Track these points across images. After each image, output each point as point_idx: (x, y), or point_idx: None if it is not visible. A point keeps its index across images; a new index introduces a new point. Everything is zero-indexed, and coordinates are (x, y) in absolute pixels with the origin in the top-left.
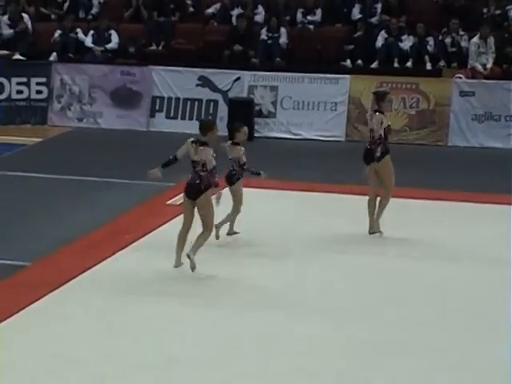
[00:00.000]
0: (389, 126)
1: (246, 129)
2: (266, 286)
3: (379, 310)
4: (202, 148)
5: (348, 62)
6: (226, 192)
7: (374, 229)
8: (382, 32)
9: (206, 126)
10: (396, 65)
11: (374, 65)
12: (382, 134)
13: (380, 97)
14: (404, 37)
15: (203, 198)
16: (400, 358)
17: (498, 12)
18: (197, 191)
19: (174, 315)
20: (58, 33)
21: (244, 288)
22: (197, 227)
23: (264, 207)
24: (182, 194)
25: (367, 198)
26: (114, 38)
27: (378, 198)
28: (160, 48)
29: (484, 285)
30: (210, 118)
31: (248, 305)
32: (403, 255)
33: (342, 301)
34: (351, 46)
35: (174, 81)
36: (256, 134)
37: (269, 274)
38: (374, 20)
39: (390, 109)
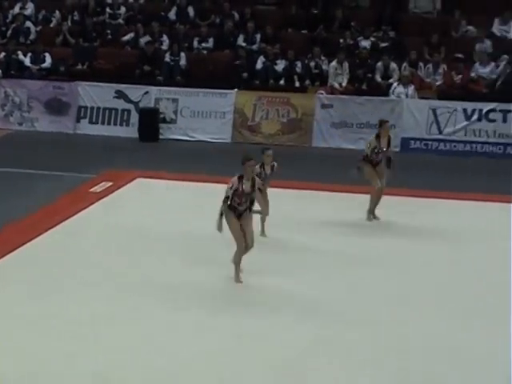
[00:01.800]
0: (375, 147)
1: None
2: None
3: None
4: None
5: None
6: None
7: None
8: (261, 57)
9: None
10: (272, 82)
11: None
12: (368, 154)
13: (379, 124)
14: (278, 61)
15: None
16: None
17: (351, 42)
18: None
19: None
20: (2, 54)
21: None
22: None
23: (162, 197)
24: (102, 183)
25: None
26: (48, 59)
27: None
28: (85, 67)
29: None
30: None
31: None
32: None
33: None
34: (245, 74)
35: (95, 93)
36: (161, 137)
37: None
38: (254, 47)
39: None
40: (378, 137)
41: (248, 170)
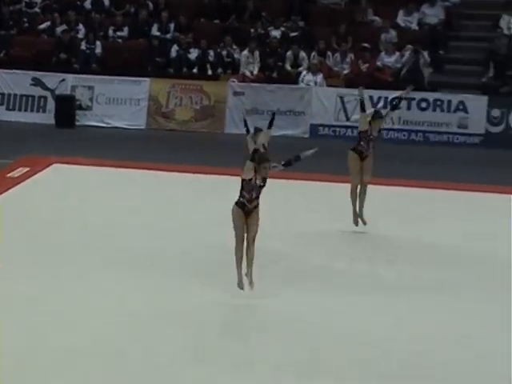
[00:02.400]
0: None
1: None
2: None
3: None
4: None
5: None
6: None
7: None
8: (175, 45)
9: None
10: (185, 70)
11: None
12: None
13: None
14: (191, 49)
15: None
16: None
17: (262, 32)
18: None
19: None
20: None
21: None
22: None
23: (78, 182)
24: (19, 168)
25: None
26: None
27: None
28: (1, 55)
29: None
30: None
31: None
32: None
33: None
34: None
35: (12, 81)
36: (77, 123)
37: None
38: (168, 36)
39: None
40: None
41: (262, 172)
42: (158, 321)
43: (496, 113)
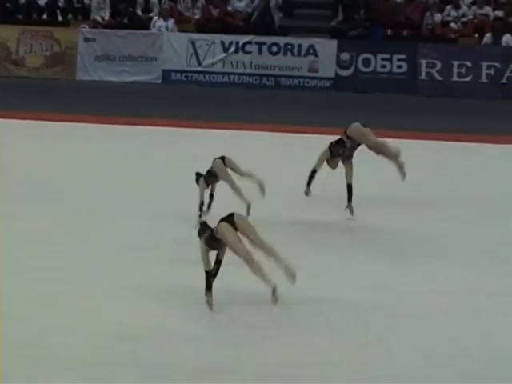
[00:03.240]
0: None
1: None
2: None
3: None
4: None
5: None
6: None
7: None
8: None
9: None
10: (35, 17)
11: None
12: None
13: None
14: None
15: None
16: None
17: None
18: None
19: None
20: None
21: None
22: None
23: None
24: None
25: None
26: None
27: None
28: None
29: None
30: None
31: None
32: None
33: None
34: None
35: None
36: None
37: None
38: None
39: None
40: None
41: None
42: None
43: (345, 56)
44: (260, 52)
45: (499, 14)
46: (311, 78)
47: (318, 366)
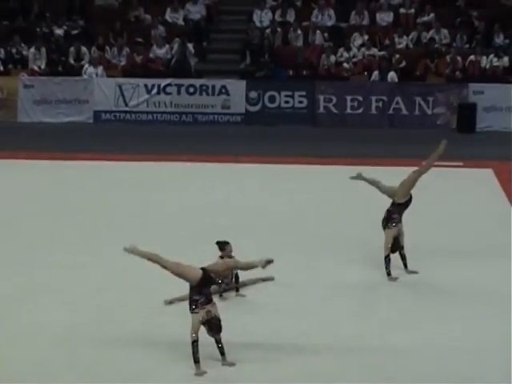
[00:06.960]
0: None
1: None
2: None
3: None
4: None
5: None
6: None
7: None
8: None
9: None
10: None
11: None
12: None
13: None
14: None
15: None
16: None
17: (47, 30)
18: None
19: None
20: None
21: None
22: None
23: None
24: None
25: None
26: None
27: None
28: None
29: None
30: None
31: None
32: None
33: None
34: None
35: None
36: None
37: None
38: None
39: None
40: None
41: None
42: None
43: (253, 94)
44: (179, 93)
45: (384, 54)
46: (224, 114)
47: None
